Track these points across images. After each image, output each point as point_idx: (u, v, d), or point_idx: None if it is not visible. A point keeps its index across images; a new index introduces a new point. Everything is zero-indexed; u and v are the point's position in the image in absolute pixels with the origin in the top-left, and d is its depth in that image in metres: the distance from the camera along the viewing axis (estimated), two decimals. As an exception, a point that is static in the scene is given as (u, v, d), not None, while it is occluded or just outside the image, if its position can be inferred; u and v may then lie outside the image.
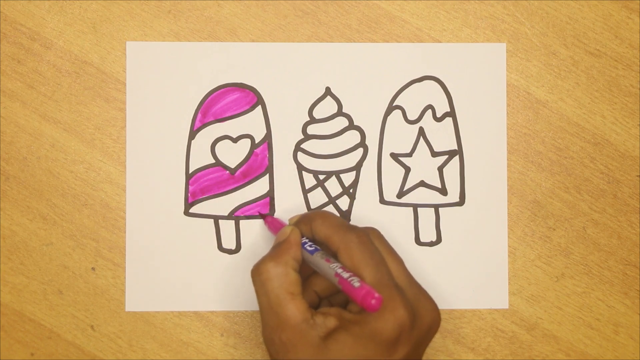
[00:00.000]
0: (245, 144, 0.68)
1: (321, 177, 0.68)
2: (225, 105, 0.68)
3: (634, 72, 0.68)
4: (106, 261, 0.67)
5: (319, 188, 0.68)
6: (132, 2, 0.68)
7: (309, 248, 0.61)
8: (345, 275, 0.58)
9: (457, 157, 0.68)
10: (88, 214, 0.67)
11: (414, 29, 0.68)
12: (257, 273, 0.60)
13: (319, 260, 0.60)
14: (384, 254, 0.60)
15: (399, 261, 0.61)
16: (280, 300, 0.58)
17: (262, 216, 0.67)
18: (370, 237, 0.60)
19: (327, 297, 0.63)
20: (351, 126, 0.68)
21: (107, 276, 0.67)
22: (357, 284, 0.56)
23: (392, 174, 0.68)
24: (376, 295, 0.56)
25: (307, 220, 0.62)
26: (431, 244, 0.68)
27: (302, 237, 0.62)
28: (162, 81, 0.68)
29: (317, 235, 0.61)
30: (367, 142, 0.68)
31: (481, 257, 0.68)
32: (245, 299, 0.67)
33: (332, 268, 0.58)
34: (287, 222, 0.66)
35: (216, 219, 0.67)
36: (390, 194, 0.68)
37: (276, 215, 0.68)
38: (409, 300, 0.58)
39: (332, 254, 0.60)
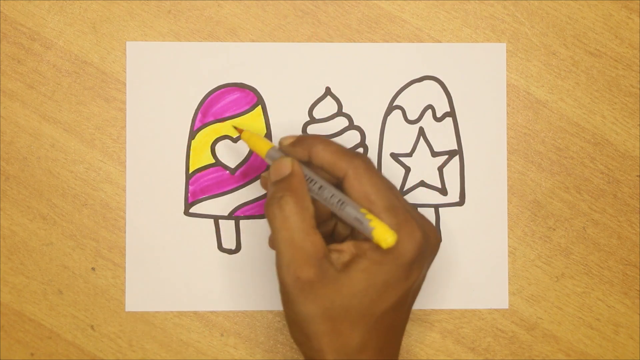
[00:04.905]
0: (245, 144, 0.68)
1: (321, 177, 0.68)
2: (225, 105, 0.68)
3: (634, 72, 0.68)
4: (106, 261, 0.67)
5: (319, 188, 0.68)
6: (132, 2, 0.68)
7: (312, 186, 0.59)
8: (353, 215, 0.57)
9: (457, 157, 0.68)
10: (88, 214, 0.67)
11: (414, 29, 0.68)
12: (279, 209, 0.57)
13: (323, 200, 0.59)
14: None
15: (395, 187, 0.61)
16: (305, 235, 0.57)
17: (238, 131, 0.64)
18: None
19: (323, 221, 0.62)
20: (351, 126, 0.68)
21: (107, 276, 0.67)
22: (370, 226, 0.56)
23: (392, 174, 0.68)
24: (389, 237, 0.56)
25: (306, 145, 0.60)
26: (431, 244, 0.68)
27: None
28: (162, 81, 0.68)
29: (318, 161, 0.59)
30: (367, 142, 0.68)
31: (481, 257, 0.68)
32: (245, 299, 0.67)
33: (338, 209, 0.58)
34: (268, 141, 0.63)
35: (216, 219, 0.67)
36: (390, 194, 0.68)
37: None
38: (419, 222, 0.59)
39: (333, 180, 0.59)
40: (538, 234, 0.68)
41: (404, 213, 0.58)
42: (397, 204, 0.58)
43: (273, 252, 0.63)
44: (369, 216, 0.57)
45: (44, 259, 0.67)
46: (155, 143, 0.67)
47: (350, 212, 0.57)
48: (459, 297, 0.68)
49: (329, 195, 0.58)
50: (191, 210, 0.67)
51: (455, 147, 0.68)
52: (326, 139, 0.60)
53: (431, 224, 0.60)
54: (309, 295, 0.57)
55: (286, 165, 0.59)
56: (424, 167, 0.68)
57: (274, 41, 0.68)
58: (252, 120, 0.68)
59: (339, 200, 0.58)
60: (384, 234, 0.56)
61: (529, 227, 0.68)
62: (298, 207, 0.57)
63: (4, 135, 0.67)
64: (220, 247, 0.68)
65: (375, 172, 0.59)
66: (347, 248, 0.58)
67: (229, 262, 0.67)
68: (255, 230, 0.68)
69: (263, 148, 0.62)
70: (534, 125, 0.68)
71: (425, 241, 0.58)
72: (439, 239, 0.60)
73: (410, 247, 0.57)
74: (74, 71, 0.67)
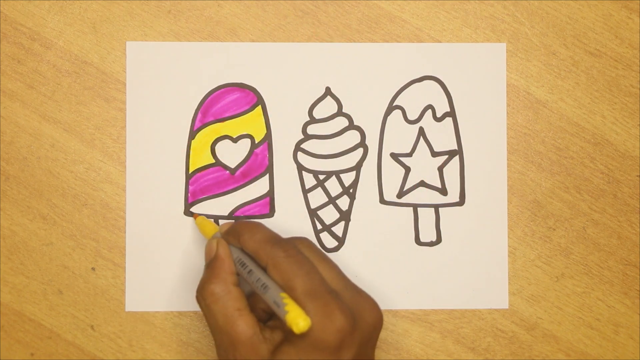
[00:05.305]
0: (245, 144, 0.68)
1: (321, 177, 0.68)
2: (225, 105, 0.68)
3: (634, 72, 0.68)
4: (106, 261, 0.67)
5: (319, 188, 0.68)
6: (132, 2, 0.68)
7: (240, 268, 0.60)
8: (272, 299, 0.58)
9: (457, 157, 0.68)
10: (88, 214, 0.67)
11: (414, 29, 0.68)
12: (201, 297, 0.60)
13: (250, 284, 0.60)
14: (316, 262, 0.60)
15: (333, 266, 0.61)
16: (228, 319, 0.59)
17: (193, 215, 0.67)
18: (299, 248, 0.60)
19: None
20: (351, 126, 0.68)
21: (107, 276, 0.67)
22: (285, 310, 0.57)
23: (392, 174, 0.68)
24: (301, 322, 0.56)
25: (235, 233, 0.61)
26: (431, 244, 0.68)
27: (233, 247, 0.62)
28: (162, 81, 0.68)
29: (246, 248, 0.61)
30: (367, 142, 0.68)
31: (481, 257, 0.68)
32: (245, 299, 0.67)
33: (262, 292, 0.59)
34: (216, 226, 0.65)
35: (216, 219, 0.67)
36: (390, 194, 0.68)
37: (276, 215, 0.68)
38: (346, 304, 0.58)
39: (263, 267, 0.60)
40: (538, 234, 0.68)
41: (324, 296, 0.57)
42: (319, 288, 0.58)
43: (273, 252, 0.63)
44: (287, 300, 0.57)
45: (44, 259, 0.67)
46: (155, 143, 0.67)
47: (270, 295, 0.58)
48: (459, 297, 0.68)
49: (255, 279, 0.59)
50: (191, 210, 0.67)
51: (455, 147, 0.68)
52: (254, 227, 0.61)
53: (369, 302, 0.60)
54: None
55: (212, 248, 0.62)
56: (424, 167, 0.68)
57: (274, 41, 0.68)
58: (252, 120, 0.68)
59: (263, 284, 0.59)
60: (296, 319, 0.56)
61: (529, 227, 0.68)
62: (220, 293, 0.59)
63: (4, 135, 0.67)
64: (220, 247, 0.68)
65: (296, 258, 0.59)
66: (280, 325, 0.59)
67: (229, 262, 0.67)
68: (255, 230, 0.68)
69: (209, 233, 0.64)
70: (534, 125, 0.68)
71: (352, 323, 0.57)
72: (377, 317, 0.60)
73: (330, 330, 0.57)
74: (74, 71, 0.67)
